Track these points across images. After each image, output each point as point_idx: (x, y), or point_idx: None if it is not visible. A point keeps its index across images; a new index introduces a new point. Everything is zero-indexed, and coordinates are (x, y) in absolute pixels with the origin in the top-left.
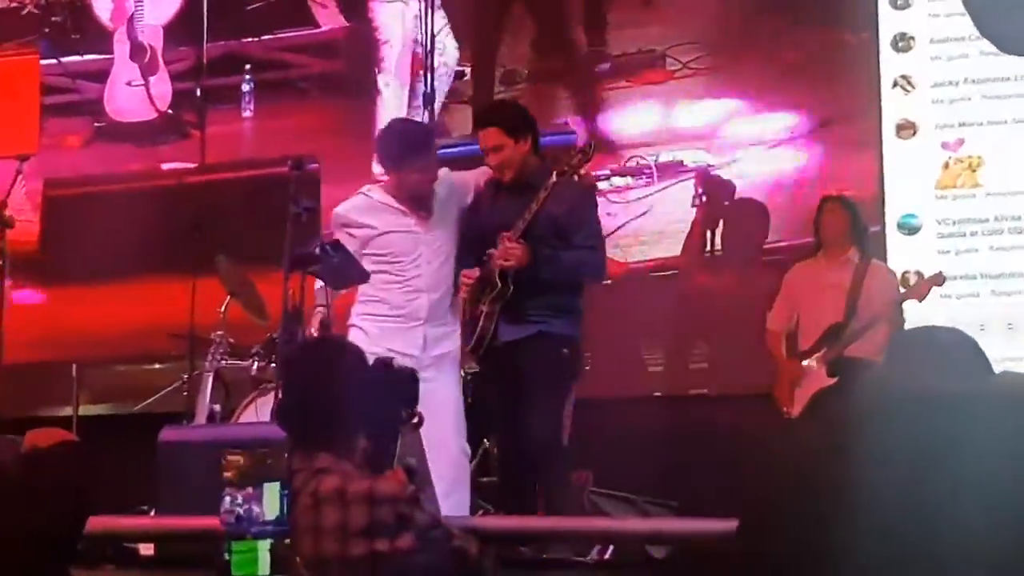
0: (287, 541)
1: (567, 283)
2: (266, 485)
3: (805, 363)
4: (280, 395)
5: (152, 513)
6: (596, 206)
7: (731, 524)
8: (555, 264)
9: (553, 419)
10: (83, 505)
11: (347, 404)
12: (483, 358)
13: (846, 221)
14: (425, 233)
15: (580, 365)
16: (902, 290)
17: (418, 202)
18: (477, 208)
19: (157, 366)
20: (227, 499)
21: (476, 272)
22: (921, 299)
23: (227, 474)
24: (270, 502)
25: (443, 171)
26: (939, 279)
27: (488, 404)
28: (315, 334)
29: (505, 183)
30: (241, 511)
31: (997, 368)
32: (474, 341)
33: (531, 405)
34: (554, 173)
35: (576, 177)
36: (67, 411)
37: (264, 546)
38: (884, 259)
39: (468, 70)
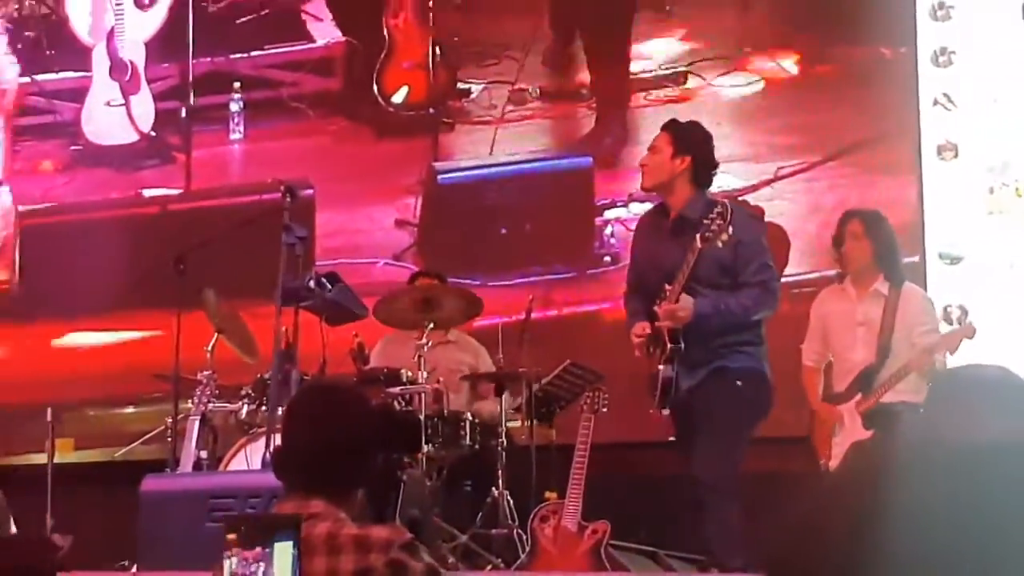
0: None
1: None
2: (277, 545)
3: (840, 407)
4: (278, 441)
5: (134, 569)
6: (763, 234)
7: None
8: (723, 314)
9: (726, 457)
10: None
11: (346, 451)
12: (670, 410)
13: (870, 248)
14: None
15: (763, 397)
16: (940, 322)
17: None
18: (641, 241)
19: (137, 409)
20: (232, 560)
21: (647, 328)
22: (953, 351)
23: (231, 535)
24: (281, 564)
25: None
26: (970, 331)
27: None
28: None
29: (669, 221)
30: (248, 573)
31: None
32: (659, 399)
33: (704, 443)
34: (697, 238)
35: (726, 236)
36: (41, 459)
37: None
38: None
39: (472, 87)
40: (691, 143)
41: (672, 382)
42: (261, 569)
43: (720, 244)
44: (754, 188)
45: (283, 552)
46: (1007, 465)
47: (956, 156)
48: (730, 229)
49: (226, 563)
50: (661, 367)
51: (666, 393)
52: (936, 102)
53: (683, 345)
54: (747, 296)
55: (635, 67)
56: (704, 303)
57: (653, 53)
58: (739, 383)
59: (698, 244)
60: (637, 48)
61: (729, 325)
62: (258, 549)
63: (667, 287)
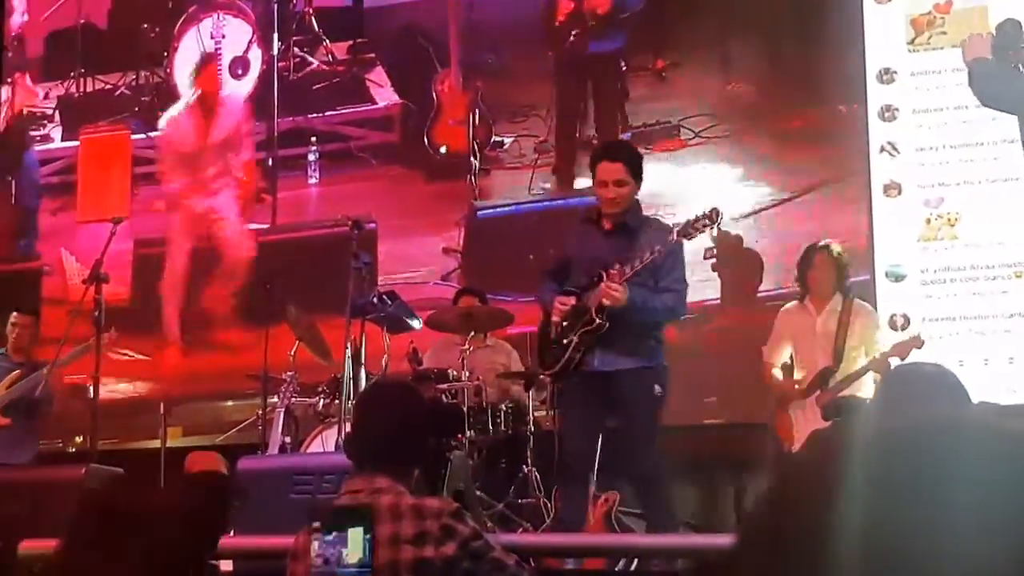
0: None
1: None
2: (350, 530)
3: (804, 401)
4: (349, 427)
5: (231, 533)
6: (682, 251)
7: (727, 540)
8: (649, 307)
9: (653, 447)
10: (202, 536)
11: (403, 436)
12: (566, 383)
13: (833, 273)
14: None
15: (666, 387)
16: (886, 328)
17: None
18: (577, 240)
19: (233, 403)
20: (315, 544)
21: (572, 301)
22: (903, 357)
23: (315, 523)
24: (354, 546)
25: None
26: (919, 342)
27: (569, 426)
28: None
29: (607, 225)
30: (328, 554)
31: (974, 398)
32: (560, 366)
33: (632, 441)
34: (675, 232)
35: (685, 239)
36: (155, 444)
37: None
38: (875, 303)
39: (505, 140)
40: (639, 167)
41: (579, 357)
42: (339, 550)
43: (712, 241)
44: (733, 220)
45: (355, 536)
46: (942, 440)
47: (899, 193)
48: (715, 230)
49: (313, 544)
50: (575, 337)
51: (570, 359)
52: (883, 149)
53: (607, 324)
54: (669, 298)
55: (636, 121)
56: (637, 293)
57: (652, 111)
58: (657, 387)
59: (674, 238)
60: (639, 106)
61: (648, 319)
62: (335, 533)
63: (609, 271)
